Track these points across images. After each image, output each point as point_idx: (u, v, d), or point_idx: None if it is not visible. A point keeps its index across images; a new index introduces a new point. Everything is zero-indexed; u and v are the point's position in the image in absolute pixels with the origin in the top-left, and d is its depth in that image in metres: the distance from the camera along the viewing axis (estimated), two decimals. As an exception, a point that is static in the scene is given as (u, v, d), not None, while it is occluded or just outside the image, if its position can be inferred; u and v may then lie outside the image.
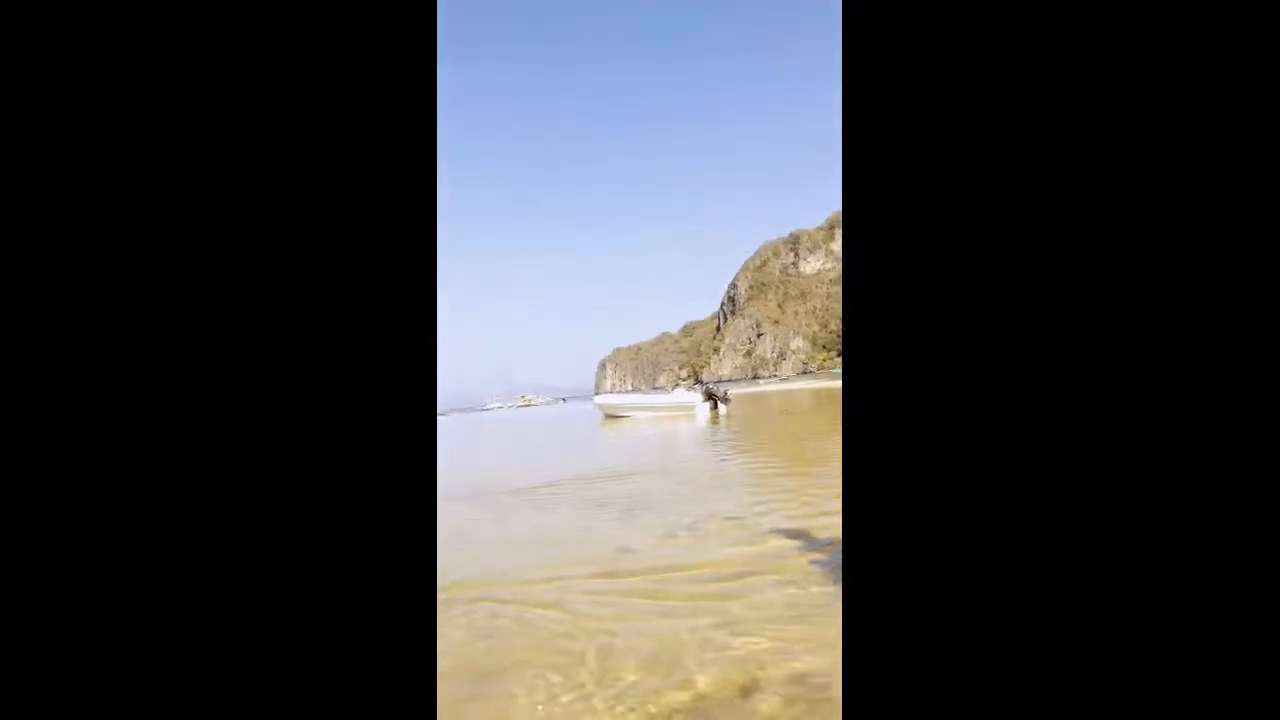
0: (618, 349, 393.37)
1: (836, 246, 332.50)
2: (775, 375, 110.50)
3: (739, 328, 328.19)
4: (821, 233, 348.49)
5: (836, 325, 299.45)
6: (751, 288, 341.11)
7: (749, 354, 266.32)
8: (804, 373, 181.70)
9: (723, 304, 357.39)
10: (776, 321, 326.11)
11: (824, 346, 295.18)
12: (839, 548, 3.34)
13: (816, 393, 27.50)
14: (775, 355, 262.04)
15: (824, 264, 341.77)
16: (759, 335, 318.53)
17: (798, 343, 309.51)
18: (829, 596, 2.70)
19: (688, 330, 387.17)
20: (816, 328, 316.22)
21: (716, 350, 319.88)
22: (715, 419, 17.85)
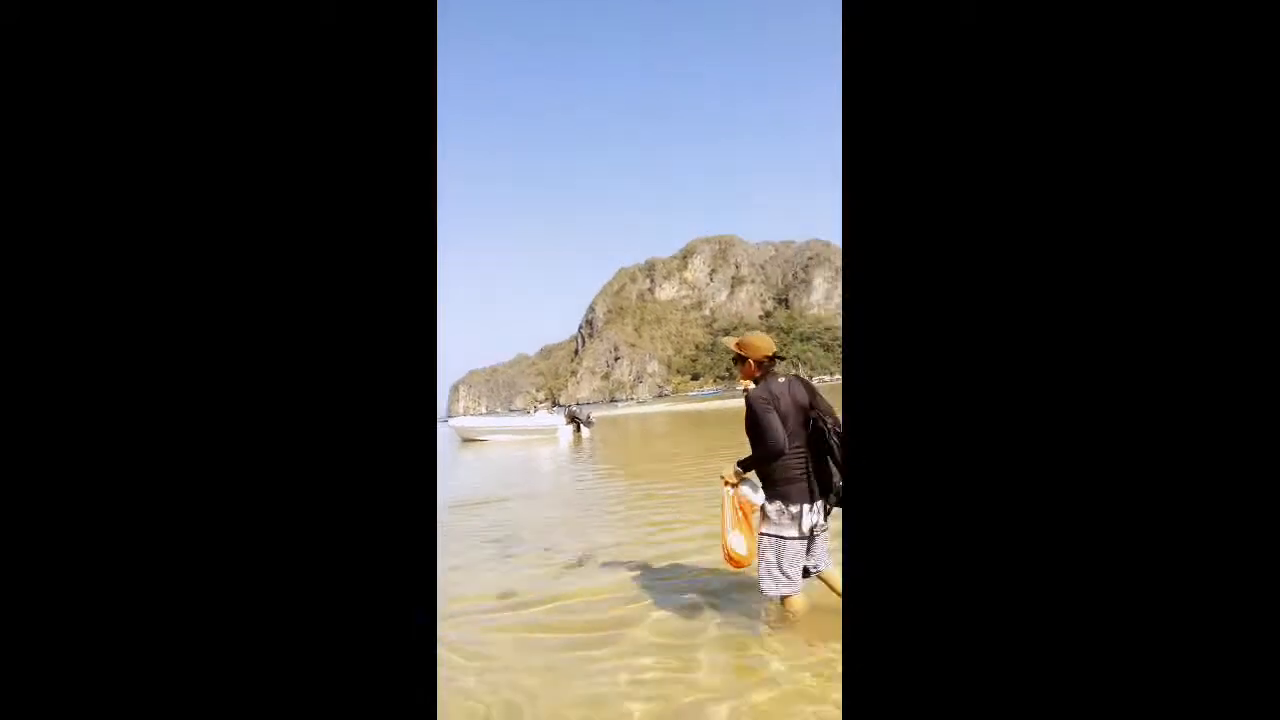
0: (473, 371, 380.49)
1: (690, 274, 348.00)
2: (632, 398, 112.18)
3: (597, 351, 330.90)
4: (676, 260, 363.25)
5: (690, 350, 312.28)
6: (609, 312, 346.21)
7: (607, 376, 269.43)
8: (660, 395, 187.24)
9: (581, 328, 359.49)
10: (633, 345, 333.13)
11: (678, 370, 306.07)
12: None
13: (674, 416, 28.23)
14: (633, 378, 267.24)
15: (678, 291, 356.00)
16: (617, 359, 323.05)
17: (654, 366, 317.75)
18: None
19: (545, 353, 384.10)
20: (671, 352, 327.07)
21: (574, 373, 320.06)
22: (578, 442, 17.71)
